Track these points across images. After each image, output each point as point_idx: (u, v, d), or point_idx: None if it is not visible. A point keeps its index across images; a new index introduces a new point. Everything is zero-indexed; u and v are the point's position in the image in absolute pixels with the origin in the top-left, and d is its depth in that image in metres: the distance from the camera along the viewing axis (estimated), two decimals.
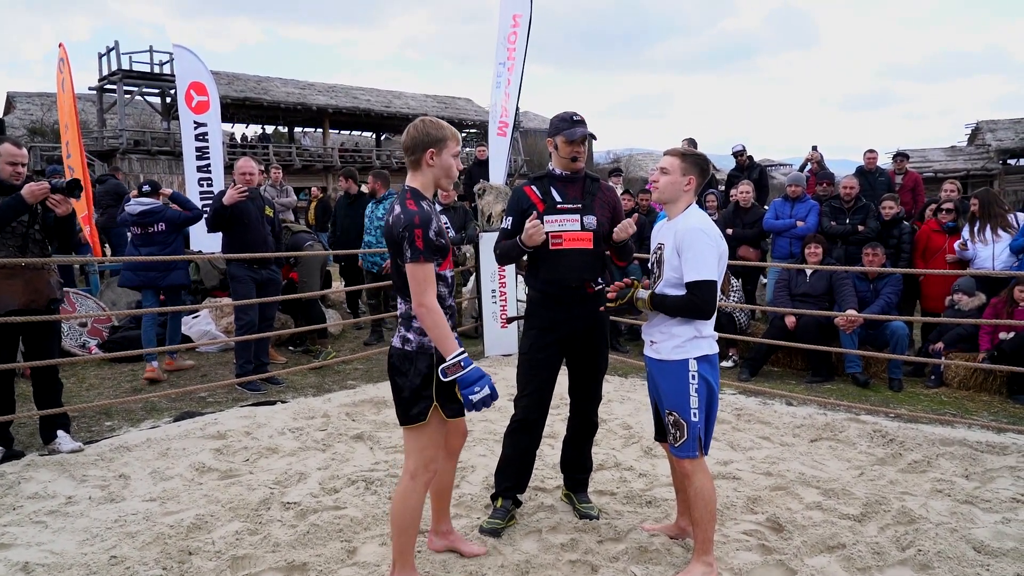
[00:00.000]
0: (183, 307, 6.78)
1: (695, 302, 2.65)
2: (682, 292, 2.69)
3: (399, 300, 2.61)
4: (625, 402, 5.12)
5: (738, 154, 8.82)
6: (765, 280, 8.72)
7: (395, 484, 3.59)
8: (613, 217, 3.18)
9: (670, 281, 2.74)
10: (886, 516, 3.23)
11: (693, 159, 2.78)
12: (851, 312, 5.63)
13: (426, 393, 2.50)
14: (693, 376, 2.69)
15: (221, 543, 2.99)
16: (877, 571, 2.78)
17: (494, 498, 3.27)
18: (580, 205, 3.09)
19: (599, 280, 3.16)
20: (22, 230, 3.95)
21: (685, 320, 2.70)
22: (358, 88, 29.79)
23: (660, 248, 2.82)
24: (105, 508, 3.37)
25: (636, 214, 6.81)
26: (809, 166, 9.25)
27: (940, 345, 5.70)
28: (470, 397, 2.41)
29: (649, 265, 2.94)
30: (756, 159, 9.25)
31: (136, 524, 3.18)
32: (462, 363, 2.42)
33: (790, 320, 5.85)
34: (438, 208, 2.77)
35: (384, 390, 5.43)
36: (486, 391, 2.42)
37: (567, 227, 3.08)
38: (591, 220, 3.09)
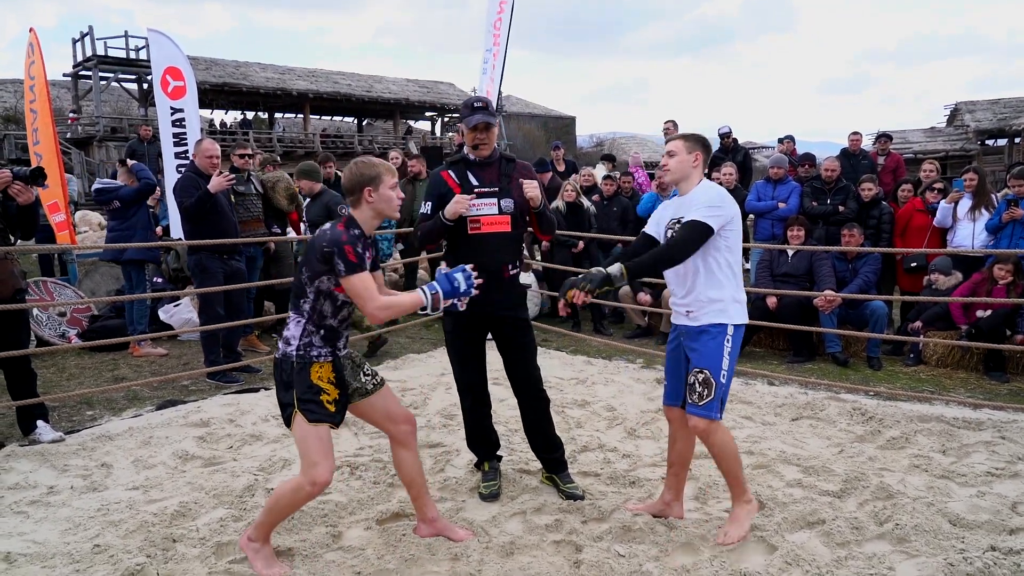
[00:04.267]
0: (164, 294, 6.72)
1: (675, 239, 2.78)
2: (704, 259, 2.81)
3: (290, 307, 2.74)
4: (609, 384, 5.15)
5: (724, 136, 8.86)
6: (748, 265, 8.78)
7: (380, 469, 3.61)
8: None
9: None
10: (865, 492, 3.29)
11: (695, 138, 2.95)
12: (828, 292, 5.68)
13: (287, 400, 2.63)
14: (728, 339, 2.83)
15: (206, 530, 2.99)
16: (856, 545, 2.83)
17: (479, 465, 3.48)
18: (497, 188, 3.17)
19: (515, 264, 3.25)
20: None
21: (718, 287, 2.81)
22: (338, 73, 29.43)
23: (679, 221, 2.88)
24: (88, 497, 3.35)
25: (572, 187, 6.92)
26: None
27: (919, 324, 5.78)
28: (464, 291, 2.67)
29: (664, 239, 3.01)
30: (739, 142, 9.29)
31: (119, 512, 3.17)
32: (432, 291, 2.64)
33: (771, 300, 5.90)
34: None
35: None
36: (459, 276, 2.67)
37: (484, 211, 3.15)
38: (508, 203, 3.17)
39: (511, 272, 3.24)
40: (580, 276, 2.80)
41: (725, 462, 2.92)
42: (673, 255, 2.78)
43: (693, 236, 2.74)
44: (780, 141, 9.41)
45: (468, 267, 2.73)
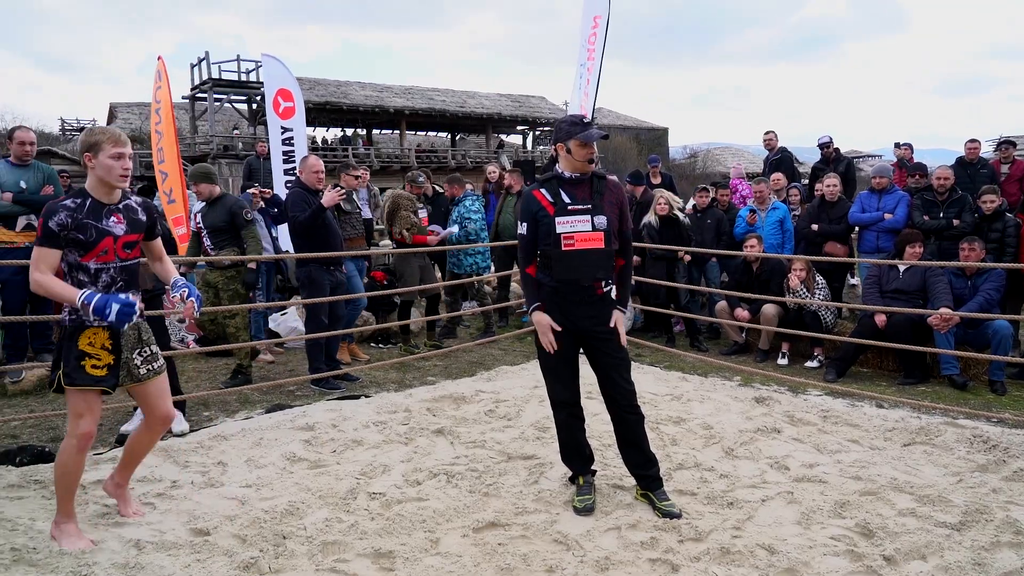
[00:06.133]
0: (270, 303, 7.11)
1: None
2: None
3: None
4: (705, 402, 5.03)
5: (824, 146, 8.52)
6: (853, 281, 8.35)
7: (475, 478, 3.68)
8: (620, 214, 3.30)
9: None
10: (988, 526, 3.07)
11: None
12: (945, 310, 5.34)
13: (57, 364, 2.87)
14: None
15: (312, 528, 3.13)
16: None
17: (573, 479, 3.52)
18: (590, 205, 3.19)
19: (608, 281, 3.25)
20: None
21: None
22: (433, 89, 30.32)
23: None
24: (206, 492, 3.58)
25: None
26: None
27: None
28: (109, 319, 2.74)
29: None
30: (842, 151, 8.91)
31: (234, 508, 3.37)
32: (85, 301, 2.72)
33: (880, 319, 5.61)
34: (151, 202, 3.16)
35: (463, 387, 5.54)
36: (116, 306, 2.73)
37: (579, 228, 3.17)
38: (602, 220, 3.18)
39: (604, 288, 3.26)
40: None
41: None
42: None
43: None
44: (897, 146, 8.92)
45: (137, 303, 2.85)
